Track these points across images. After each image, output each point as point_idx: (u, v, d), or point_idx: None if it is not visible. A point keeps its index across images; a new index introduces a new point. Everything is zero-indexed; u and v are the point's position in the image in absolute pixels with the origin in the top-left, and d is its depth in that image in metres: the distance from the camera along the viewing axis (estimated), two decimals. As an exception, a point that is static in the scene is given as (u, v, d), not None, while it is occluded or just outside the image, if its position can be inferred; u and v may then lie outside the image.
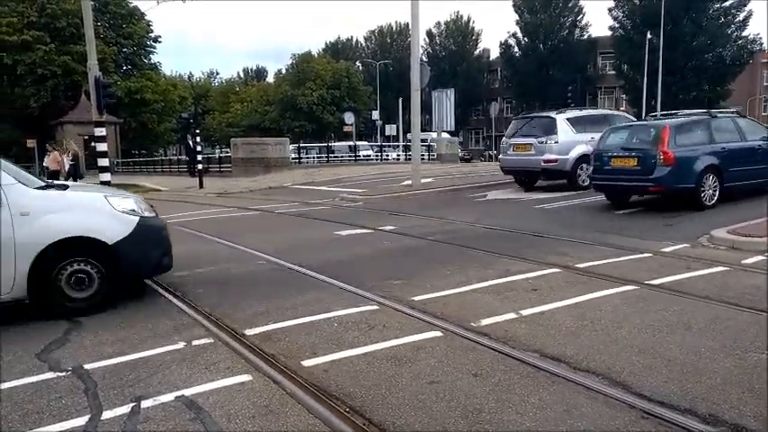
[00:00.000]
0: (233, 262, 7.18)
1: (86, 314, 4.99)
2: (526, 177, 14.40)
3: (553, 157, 13.05)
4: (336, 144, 40.03)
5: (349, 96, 57.69)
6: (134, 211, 5.49)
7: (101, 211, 5.35)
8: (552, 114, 13.92)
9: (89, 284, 5.11)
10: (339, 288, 5.63)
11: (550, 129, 13.31)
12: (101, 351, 4.12)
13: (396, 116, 45.22)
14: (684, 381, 3.30)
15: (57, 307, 5.02)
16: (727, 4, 42.63)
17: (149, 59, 50.59)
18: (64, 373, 3.74)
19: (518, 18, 55.45)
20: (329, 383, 3.43)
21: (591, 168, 11.39)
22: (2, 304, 4.88)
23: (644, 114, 39.27)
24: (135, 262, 5.39)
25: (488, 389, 3.29)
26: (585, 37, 54.52)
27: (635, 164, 9.74)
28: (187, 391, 3.38)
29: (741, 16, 42.69)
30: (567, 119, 13.51)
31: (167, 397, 3.32)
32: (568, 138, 13.08)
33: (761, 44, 44.90)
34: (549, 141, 13.16)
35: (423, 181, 16.61)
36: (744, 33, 43.17)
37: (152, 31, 49.22)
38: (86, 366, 3.83)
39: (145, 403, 3.26)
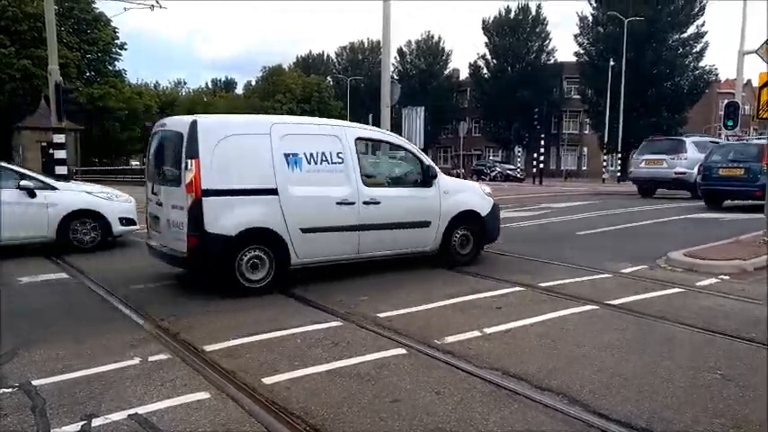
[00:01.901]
0: (192, 275, 7.02)
1: (468, 265, 7.35)
2: (652, 186, 18.48)
3: (682, 170, 16.83)
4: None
5: (320, 111, 57.70)
6: (490, 194, 8.02)
7: (479, 193, 7.93)
8: (682, 138, 18.68)
9: (468, 244, 7.57)
10: (302, 304, 5.58)
11: (680, 148, 17.34)
12: (51, 366, 3.95)
13: (365, 132, 45.34)
14: (641, 399, 3.35)
15: (450, 259, 7.40)
16: (685, 35, 44.43)
17: (114, 66, 49.66)
18: (10, 390, 3.57)
19: (487, 41, 56.59)
20: (290, 401, 3.36)
21: (700, 177, 14.53)
22: (426, 254, 7.33)
23: (606, 138, 40.47)
24: (490, 229, 7.85)
25: (450, 407, 3.28)
26: (552, 62, 55.93)
27: (742, 173, 13.02)
28: (141, 409, 3.27)
29: (698, 47, 44.53)
30: (693, 141, 17.70)
31: (120, 415, 3.20)
32: (694, 156, 16.48)
33: (716, 75, 46.87)
34: (679, 158, 17.06)
35: (390, 197, 16.66)
36: (700, 64, 45.02)
37: (118, 38, 48.40)
38: (34, 382, 3.66)
39: (96, 422, 3.13)
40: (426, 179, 7.28)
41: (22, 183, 8.57)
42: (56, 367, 3.93)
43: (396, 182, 7.43)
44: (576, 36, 48.33)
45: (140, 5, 21.33)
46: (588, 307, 5.34)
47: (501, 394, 3.46)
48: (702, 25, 43.92)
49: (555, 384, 3.58)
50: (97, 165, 45.00)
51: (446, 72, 66.30)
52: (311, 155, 6.38)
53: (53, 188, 8.87)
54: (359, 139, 6.92)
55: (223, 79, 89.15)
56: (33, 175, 9.23)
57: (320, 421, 3.12)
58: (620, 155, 42.00)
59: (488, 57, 57.00)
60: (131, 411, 3.24)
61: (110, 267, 7.53)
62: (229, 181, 5.90)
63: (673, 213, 13.20)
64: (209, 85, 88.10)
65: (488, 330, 4.66)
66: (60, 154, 16.90)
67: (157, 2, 21.04)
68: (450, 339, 4.44)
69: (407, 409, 3.27)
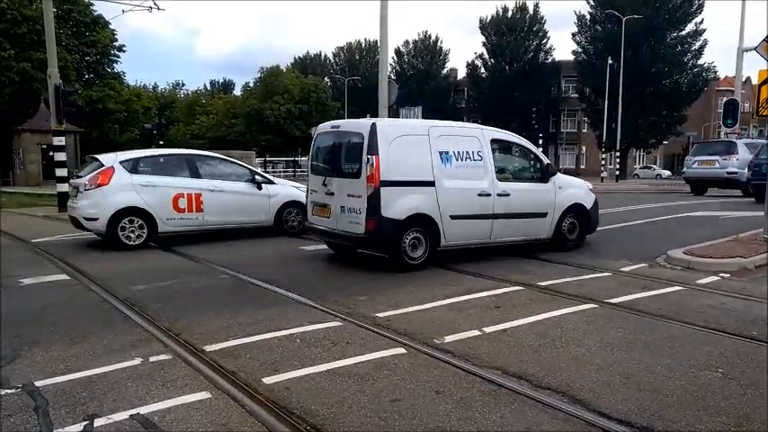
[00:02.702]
0: (194, 276, 7.04)
1: (574, 249, 8.45)
2: (704, 186, 19.53)
3: (734, 170, 17.65)
4: (303, 159, 39.91)
5: (317, 111, 57.62)
6: (593, 189, 9.06)
7: (585, 189, 8.97)
8: (734, 140, 19.69)
9: (574, 231, 8.63)
10: (302, 303, 5.58)
11: (732, 150, 18.17)
12: (53, 367, 3.96)
13: (364, 132, 45.31)
14: (641, 398, 3.36)
15: (561, 245, 8.44)
16: (683, 33, 44.45)
17: (113, 68, 49.61)
18: (12, 391, 3.57)
19: (485, 40, 56.60)
20: (290, 401, 3.37)
21: (749, 173, 15.34)
22: (541, 241, 8.36)
23: (604, 137, 40.49)
24: (593, 220, 8.94)
25: (450, 406, 3.29)
26: (549, 60, 55.96)
27: None
28: (143, 409, 3.27)
29: (696, 45, 44.55)
30: (744, 143, 18.79)
31: (122, 415, 3.21)
32: (745, 156, 17.17)
33: (715, 72, 46.87)
34: (731, 159, 17.94)
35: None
36: (699, 62, 45.03)
37: (116, 40, 48.36)
38: (37, 383, 3.67)
39: (98, 422, 3.14)
40: (544, 176, 8.42)
41: (256, 178, 10.48)
42: (58, 368, 3.94)
43: (520, 177, 8.42)
44: (573, 35, 48.38)
45: (138, 8, 21.35)
46: (588, 306, 5.35)
47: (501, 393, 3.47)
48: (701, 23, 43.99)
49: (555, 383, 3.59)
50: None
51: (443, 72, 66.33)
52: (458, 153, 7.55)
53: (272, 183, 10.75)
54: (493, 140, 8.00)
55: (221, 81, 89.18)
56: (259, 171, 11.59)
57: (320, 421, 3.12)
58: (618, 153, 42.01)
59: (486, 56, 57.05)
60: (133, 411, 3.25)
61: (110, 268, 7.54)
62: (399, 174, 7.06)
63: (675, 211, 13.22)
64: (208, 87, 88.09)
65: (488, 330, 4.67)
66: (60, 156, 16.91)
67: (155, 4, 21.07)
68: (450, 339, 4.45)
69: (407, 408, 3.28)
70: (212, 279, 6.88)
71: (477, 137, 7.79)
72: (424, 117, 20.27)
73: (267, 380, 3.68)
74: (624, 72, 37.89)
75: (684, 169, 20.78)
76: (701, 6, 43.65)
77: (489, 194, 7.64)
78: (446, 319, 5.02)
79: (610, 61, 40.16)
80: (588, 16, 47.49)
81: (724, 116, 22.05)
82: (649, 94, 44.16)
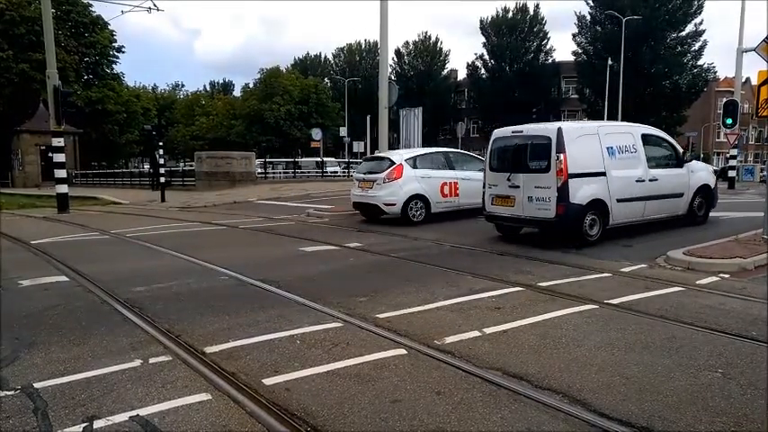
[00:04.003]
0: (194, 277, 7.03)
1: (702, 224, 10.32)
2: None
3: None
4: (303, 160, 39.90)
5: (317, 112, 57.67)
6: (715, 170, 10.71)
7: (708, 171, 10.95)
8: None
9: (702, 208, 10.52)
10: (303, 305, 5.57)
11: None
12: (52, 369, 3.96)
13: (364, 133, 45.39)
14: (642, 399, 3.36)
15: (692, 220, 10.28)
16: (683, 34, 44.49)
17: (112, 69, 49.63)
18: (12, 392, 3.57)
19: (485, 40, 56.62)
20: (290, 402, 3.37)
21: None
22: (678, 218, 10.09)
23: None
24: (715, 198, 10.86)
25: (451, 407, 3.29)
26: (550, 61, 55.98)
27: None
28: (142, 411, 3.27)
29: (696, 46, 44.60)
30: None
31: (121, 417, 3.21)
32: None
33: (714, 73, 46.93)
34: None
35: (389, 198, 16.64)
36: (699, 63, 45.07)
37: (115, 41, 48.40)
38: (36, 385, 3.67)
39: (97, 423, 3.14)
40: (680, 162, 10.18)
41: (480, 167, 12.06)
42: (57, 369, 3.94)
43: (663, 165, 9.97)
44: (574, 35, 48.45)
45: (138, 8, 21.37)
46: (588, 306, 5.35)
47: (501, 394, 3.46)
48: (700, 23, 44.06)
49: (555, 384, 3.58)
50: (96, 168, 44.91)
51: (444, 73, 66.33)
52: (620, 147, 9.18)
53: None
54: (642, 134, 9.67)
55: (221, 81, 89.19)
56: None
57: (321, 422, 3.12)
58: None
59: (486, 57, 57.04)
60: (133, 413, 3.25)
61: (110, 270, 7.54)
62: (580, 167, 8.62)
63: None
64: (207, 88, 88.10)
65: (488, 330, 4.66)
66: (59, 157, 16.91)
67: (154, 4, 21.08)
68: (450, 339, 4.44)
69: (408, 409, 3.28)
70: (212, 280, 6.88)
71: (631, 133, 9.55)
72: (424, 118, 20.35)
73: (267, 381, 3.68)
74: (624, 73, 37.91)
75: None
76: (700, 7, 43.73)
77: (643, 180, 9.34)
78: (446, 319, 5.02)
79: (610, 62, 40.19)
80: (588, 17, 47.56)
81: (724, 117, 22.03)
82: (649, 95, 44.21)
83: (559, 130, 8.60)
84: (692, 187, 10.20)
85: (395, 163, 12.27)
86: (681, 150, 10.36)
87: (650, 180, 9.38)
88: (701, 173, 10.56)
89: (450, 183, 12.43)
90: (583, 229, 8.73)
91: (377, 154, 14.62)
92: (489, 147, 9.99)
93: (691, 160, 10.57)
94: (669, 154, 10.27)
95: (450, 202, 12.46)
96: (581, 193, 8.60)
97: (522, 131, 9.52)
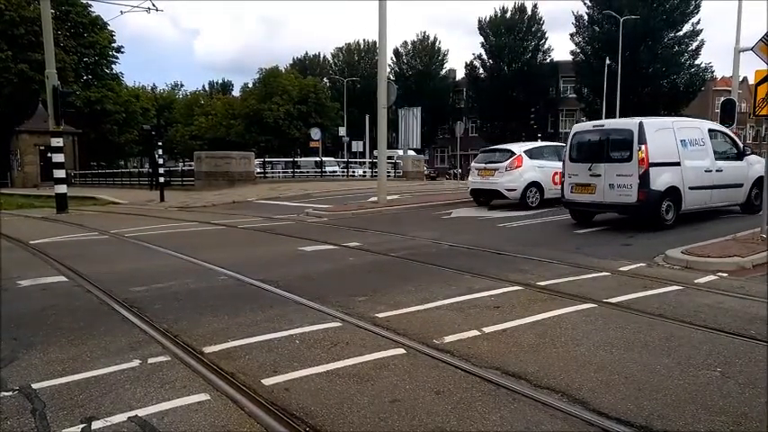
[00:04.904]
0: (193, 277, 7.03)
1: (758, 212, 10.06)
2: None
3: None
4: (302, 159, 39.87)
5: (316, 112, 57.65)
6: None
7: (763, 164, 10.27)
8: None
9: (758, 198, 10.62)
10: (302, 304, 5.57)
11: None
12: (50, 369, 3.95)
13: (363, 133, 45.41)
14: (641, 398, 3.36)
15: (750, 209, 11.19)
16: (680, 33, 44.53)
17: (111, 69, 49.59)
18: (10, 393, 3.56)
19: (483, 40, 56.63)
20: (289, 402, 3.37)
21: None
22: (738, 206, 11.32)
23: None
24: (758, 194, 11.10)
25: (450, 407, 3.29)
26: (548, 61, 55.99)
27: None
28: (141, 411, 3.27)
29: (693, 45, 44.64)
30: None
31: (120, 417, 3.20)
32: None
33: (712, 72, 46.98)
34: None
35: (389, 198, 16.68)
36: (696, 62, 45.11)
37: (115, 41, 48.36)
38: (34, 386, 3.66)
39: (96, 424, 3.13)
40: (740, 155, 11.20)
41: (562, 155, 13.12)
42: (55, 370, 3.93)
43: (726, 157, 10.93)
44: (571, 35, 48.48)
45: (137, 8, 21.35)
46: (586, 305, 5.35)
47: (500, 393, 3.46)
48: (698, 23, 44.11)
49: (554, 383, 3.58)
50: (95, 168, 44.85)
51: (442, 72, 66.34)
52: (691, 140, 10.25)
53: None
54: (709, 129, 10.77)
55: (220, 81, 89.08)
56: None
57: (320, 422, 3.12)
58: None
59: (485, 57, 57.06)
60: (131, 413, 3.24)
61: (109, 270, 7.53)
62: (658, 157, 9.70)
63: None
64: (207, 88, 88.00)
65: (487, 330, 4.66)
66: (58, 157, 16.90)
67: (153, 4, 21.05)
68: (449, 339, 4.44)
69: (407, 409, 3.27)
70: (211, 280, 6.87)
71: (699, 128, 10.62)
72: (422, 118, 20.58)
73: (266, 381, 3.68)
74: (622, 72, 37.95)
75: None
76: (697, 7, 43.78)
77: (711, 170, 10.37)
78: (445, 319, 5.02)
79: (608, 61, 40.20)
80: (586, 17, 47.57)
81: (721, 116, 21.99)
82: (647, 94, 44.24)
83: (641, 123, 9.76)
84: (750, 178, 11.19)
85: (515, 154, 14.20)
86: (741, 145, 11.33)
87: (716, 171, 10.44)
88: (757, 165, 11.38)
89: (559, 173, 12.91)
90: (660, 214, 9.80)
91: (494, 147, 16.67)
92: (569, 140, 11.07)
93: (750, 154, 11.45)
94: (731, 147, 11.25)
95: (558, 191, 13.03)
96: (660, 180, 9.69)
97: (603, 125, 10.92)
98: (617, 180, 9.95)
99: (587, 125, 11.13)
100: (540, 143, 16.07)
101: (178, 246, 9.48)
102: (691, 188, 10.06)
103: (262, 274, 6.89)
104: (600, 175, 10.19)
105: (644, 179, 9.56)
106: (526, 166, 14.03)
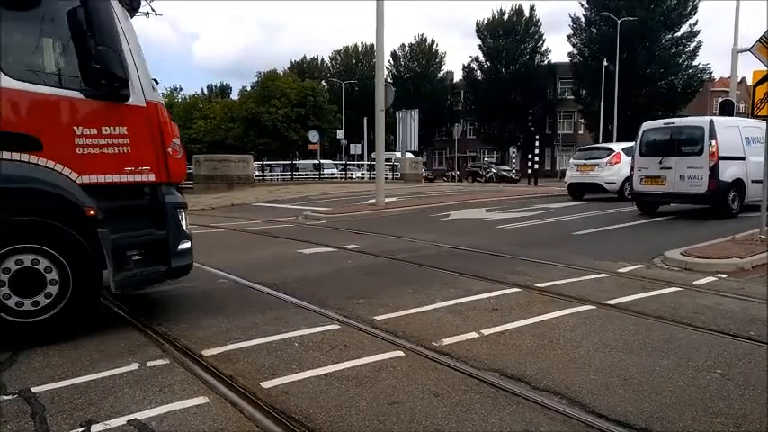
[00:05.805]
0: (191, 280, 6.98)
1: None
2: None
3: None
4: (301, 162, 39.86)
5: (314, 115, 57.60)
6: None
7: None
8: None
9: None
10: (300, 307, 5.57)
11: None
12: (50, 373, 3.94)
13: (361, 135, 45.43)
14: (640, 400, 3.36)
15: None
16: (678, 34, 44.66)
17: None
18: (9, 397, 3.56)
19: (481, 43, 56.76)
20: (288, 405, 3.36)
21: None
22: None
23: (600, 138, 40.57)
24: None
25: (449, 409, 3.28)
26: (545, 63, 56.12)
27: None
28: (140, 415, 3.26)
29: (691, 46, 44.78)
30: None
31: (119, 420, 3.20)
32: None
33: (710, 73, 47.11)
34: None
35: (387, 200, 16.69)
36: (694, 63, 45.25)
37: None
38: (34, 389, 3.65)
39: (95, 428, 3.13)
40: None
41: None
42: (55, 373, 3.92)
43: None
44: (569, 37, 48.61)
45: (137, 13, 21.27)
46: (585, 307, 5.35)
47: (499, 395, 3.46)
48: (695, 24, 44.27)
49: (553, 385, 3.58)
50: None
51: (440, 75, 66.43)
52: (753, 138, 11.42)
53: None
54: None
55: (219, 85, 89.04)
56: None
57: (319, 424, 3.12)
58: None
59: (482, 59, 57.20)
60: (130, 417, 3.23)
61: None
62: (726, 152, 10.89)
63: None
64: (205, 91, 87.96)
65: (486, 332, 4.66)
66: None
67: (152, 9, 21.04)
68: (448, 341, 4.44)
69: (406, 411, 3.27)
70: (209, 283, 6.87)
71: (759, 127, 10.96)
72: (420, 120, 20.86)
73: (265, 384, 3.67)
74: (620, 73, 38.07)
75: None
76: (695, 8, 43.93)
77: None
78: (444, 321, 5.02)
79: (605, 63, 40.29)
80: (583, 19, 47.70)
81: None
82: (645, 96, 44.37)
83: (711, 121, 11.09)
84: None
85: (614, 151, 16.13)
86: None
87: None
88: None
89: None
90: (728, 203, 10.98)
91: (592, 145, 19.26)
92: (639, 137, 12.18)
93: None
94: None
95: None
96: (728, 172, 10.87)
97: (674, 123, 12.09)
98: (687, 172, 11.01)
99: (657, 123, 12.27)
100: (633, 143, 17.38)
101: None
102: (753, 181, 10.89)
103: (260, 277, 6.89)
104: (670, 168, 11.23)
105: (714, 171, 10.68)
106: (624, 162, 15.31)
